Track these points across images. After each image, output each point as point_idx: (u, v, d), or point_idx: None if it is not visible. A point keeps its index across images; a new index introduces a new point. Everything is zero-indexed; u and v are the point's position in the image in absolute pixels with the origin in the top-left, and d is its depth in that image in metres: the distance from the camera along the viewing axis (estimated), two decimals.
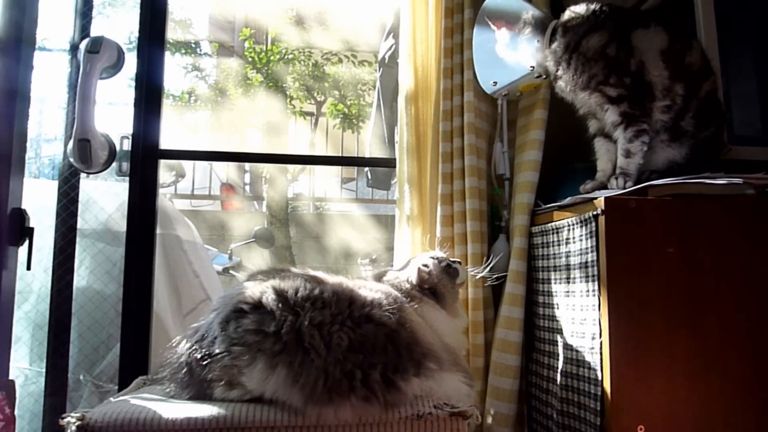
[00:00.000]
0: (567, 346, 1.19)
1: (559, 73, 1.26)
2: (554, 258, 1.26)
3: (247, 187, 6.00)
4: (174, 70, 5.21)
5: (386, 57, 2.74)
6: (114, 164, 1.51)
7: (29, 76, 1.45)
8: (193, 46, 5.37)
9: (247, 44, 5.05)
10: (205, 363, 0.92)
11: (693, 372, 1.04)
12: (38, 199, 1.69)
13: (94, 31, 1.65)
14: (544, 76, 1.35)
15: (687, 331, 1.05)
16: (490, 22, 1.40)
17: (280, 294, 0.94)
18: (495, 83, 1.45)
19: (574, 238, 1.17)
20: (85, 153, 1.40)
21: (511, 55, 1.36)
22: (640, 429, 1.01)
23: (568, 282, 1.19)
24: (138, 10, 1.58)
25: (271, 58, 5.01)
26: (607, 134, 1.26)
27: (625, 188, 1.14)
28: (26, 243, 1.41)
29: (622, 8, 1.33)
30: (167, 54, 1.68)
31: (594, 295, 1.09)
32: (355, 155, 5.25)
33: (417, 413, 0.89)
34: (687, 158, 1.19)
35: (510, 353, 1.35)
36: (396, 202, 1.60)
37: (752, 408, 1.05)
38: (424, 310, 1.11)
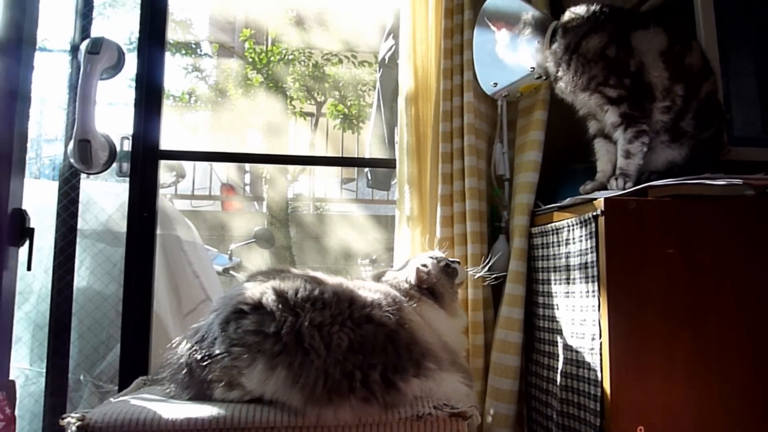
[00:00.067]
0: (567, 347, 1.19)
1: (559, 74, 1.26)
2: (554, 259, 1.26)
3: (248, 188, 6.00)
4: (174, 71, 5.22)
5: (386, 58, 2.74)
6: (114, 165, 1.51)
7: (30, 76, 1.45)
8: (194, 46, 5.37)
9: (247, 45, 5.05)
10: (205, 364, 0.92)
11: (693, 373, 1.04)
12: (39, 200, 1.70)
13: (95, 31, 1.65)
14: (544, 77, 1.35)
15: (687, 331, 1.05)
16: (490, 23, 1.40)
17: (280, 295, 0.94)
18: (495, 84, 1.45)
19: (573, 238, 1.17)
20: (85, 153, 1.40)
21: (511, 55, 1.36)
22: (640, 429, 1.01)
23: (568, 283, 1.19)
24: (138, 11, 1.58)
25: (272, 58, 5.02)
26: (606, 135, 1.26)
27: (624, 189, 1.14)
28: (27, 243, 1.41)
29: (622, 9, 1.33)
30: (167, 54, 1.69)
31: (594, 296, 1.09)
32: (355, 156, 5.25)
33: (417, 414, 0.89)
34: (687, 159, 1.19)
35: (510, 354, 1.35)
36: (396, 203, 1.60)
37: (752, 408, 1.05)
38: (423, 309, 1.11)
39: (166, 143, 1.61)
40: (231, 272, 3.24)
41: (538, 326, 1.35)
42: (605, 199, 1.07)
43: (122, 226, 1.74)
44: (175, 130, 5.11)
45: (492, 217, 1.52)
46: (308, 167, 5.29)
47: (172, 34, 5.12)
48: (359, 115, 5.15)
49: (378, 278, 1.21)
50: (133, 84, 1.59)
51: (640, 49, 1.19)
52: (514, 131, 1.54)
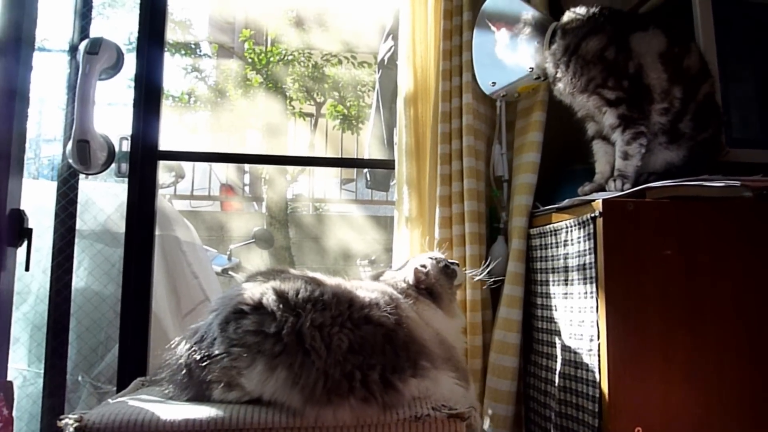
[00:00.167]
0: (565, 348, 1.19)
1: (558, 75, 1.26)
2: (552, 260, 1.27)
3: (247, 188, 6.00)
4: (174, 71, 5.22)
5: (385, 58, 2.74)
6: (113, 165, 1.51)
7: (28, 76, 1.45)
8: (193, 47, 5.37)
9: (246, 45, 5.05)
10: (204, 364, 0.92)
11: (691, 374, 1.04)
12: (37, 200, 1.70)
13: (94, 31, 1.65)
14: (543, 78, 1.35)
15: (685, 333, 1.05)
16: (489, 24, 1.40)
17: (280, 295, 0.94)
18: (494, 84, 1.45)
19: (572, 240, 1.18)
20: (84, 154, 1.40)
21: (510, 55, 1.37)
22: (638, 430, 1.01)
23: (566, 284, 1.19)
24: (137, 11, 1.58)
25: (271, 59, 5.02)
26: (605, 136, 1.26)
27: (623, 190, 1.15)
28: (25, 244, 1.41)
29: (621, 11, 1.33)
30: (167, 55, 1.69)
31: (592, 297, 1.09)
32: (355, 156, 5.25)
33: (415, 415, 0.89)
34: (685, 160, 1.20)
35: (508, 355, 1.35)
36: (395, 204, 1.60)
37: (750, 409, 1.06)
38: (420, 309, 1.11)
39: (165, 144, 1.61)
40: (230, 273, 3.24)
41: (536, 327, 1.35)
42: (603, 200, 1.07)
43: (121, 227, 1.74)
44: (174, 131, 5.11)
45: (491, 218, 1.52)
46: (307, 168, 5.29)
47: (172, 34, 5.12)
48: (358, 116, 5.15)
49: (376, 278, 1.20)
50: (132, 84, 1.59)
51: (639, 51, 1.19)
52: (512, 132, 1.54)
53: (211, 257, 3.23)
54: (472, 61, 1.48)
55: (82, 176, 1.63)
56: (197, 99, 5.29)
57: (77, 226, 1.64)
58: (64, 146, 1.55)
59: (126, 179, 1.54)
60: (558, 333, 1.23)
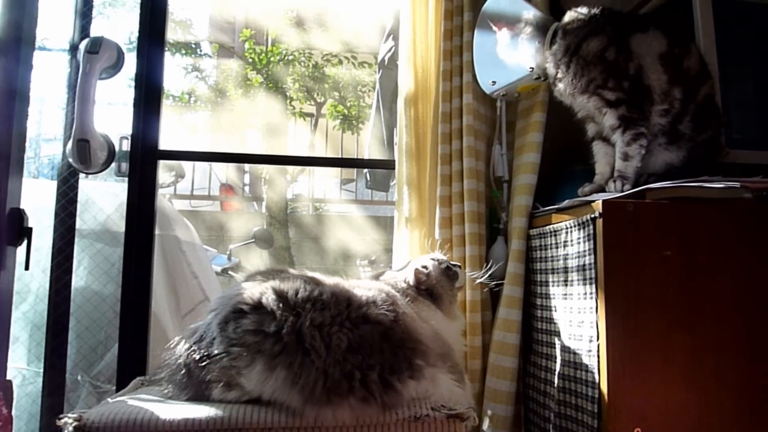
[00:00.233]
0: (564, 349, 1.19)
1: (559, 75, 1.26)
2: (552, 260, 1.27)
3: (247, 188, 6.00)
4: (174, 71, 5.22)
5: (386, 59, 2.74)
6: (113, 164, 1.51)
7: (29, 75, 1.45)
8: (193, 46, 5.37)
9: (247, 45, 5.05)
10: (203, 364, 0.92)
11: (690, 375, 1.04)
12: (37, 199, 1.70)
13: (94, 31, 1.65)
14: (543, 78, 1.35)
15: (684, 333, 1.05)
16: (490, 23, 1.40)
17: (280, 295, 0.94)
18: (494, 83, 1.45)
19: (572, 240, 1.18)
20: (84, 153, 1.40)
21: (510, 55, 1.37)
22: (637, 431, 1.01)
23: (566, 284, 1.19)
24: (138, 11, 1.58)
25: (271, 59, 5.02)
26: (605, 137, 1.26)
27: (623, 191, 1.15)
28: (25, 243, 1.41)
29: (621, 12, 1.33)
30: (167, 54, 1.69)
31: (591, 298, 1.09)
32: (355, 156, 5.25)
33: (414, 415, 0.89)
34: (685, 161, 1.20)
35: (507, 355, 1.35)
36: (395, 204, 1.60)
37: (749, 410, 1.06)
38: (420, 309, 1.11)
39: (165, 143, 1.61)
40: (230, 272, 3.24)
41: (535, 328, 1.35)
42: (603, 201, 1.07)
43: (121, 226, 1.74)
44: (174, 130, 5.11)
45: (491, 218, 1.52)
46: (307, 168, 5.29)
47: (172, 34, 5.12)
48: (359, 116, 5.15)
49: (377, 278, 1.20)
50: (133, 84, 1.59)
51: (639, 52, 1.19)
52: (513, 133, 1.54)
53: (211, 257, 3.23)
54: (473, 62, 1.48)
55: (82, 175, 1.63)
56: (197, 99, 5.29)
57: (77, 226, 1.64)
58: (64, 145, 1.55)
59: (126, 179, 1.54)
60: (557, 334, 1.23)
